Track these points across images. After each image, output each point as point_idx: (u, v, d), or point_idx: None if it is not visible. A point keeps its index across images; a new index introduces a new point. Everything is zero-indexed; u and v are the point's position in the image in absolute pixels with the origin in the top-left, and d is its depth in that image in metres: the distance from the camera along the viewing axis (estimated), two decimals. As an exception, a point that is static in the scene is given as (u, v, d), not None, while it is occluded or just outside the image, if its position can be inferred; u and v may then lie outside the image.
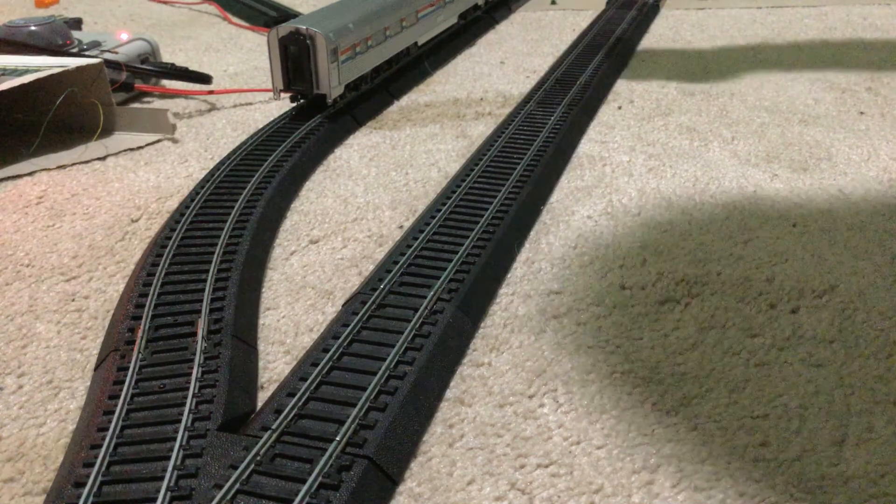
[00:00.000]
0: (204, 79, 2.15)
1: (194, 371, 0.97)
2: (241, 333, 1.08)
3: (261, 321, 1.16)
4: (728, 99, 1.99)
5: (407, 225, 1.40)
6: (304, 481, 0.81)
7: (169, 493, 0.80)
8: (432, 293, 1.12)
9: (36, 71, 1.78)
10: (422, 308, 1.09)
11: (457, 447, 0.91)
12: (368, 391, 0.93)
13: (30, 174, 1.66)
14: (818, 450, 0.88)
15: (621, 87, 2.12)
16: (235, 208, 1.40)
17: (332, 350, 1.00)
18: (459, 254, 1.22)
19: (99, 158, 1.73)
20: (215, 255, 1.24)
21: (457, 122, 1.91)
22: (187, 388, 0.95)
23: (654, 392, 0.98)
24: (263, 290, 1.24)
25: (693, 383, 0.99)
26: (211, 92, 2.12)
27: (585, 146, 1.73)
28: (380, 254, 1.32)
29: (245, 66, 2.47)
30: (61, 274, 1.29)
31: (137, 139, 1.82)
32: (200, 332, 1.05)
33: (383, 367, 0.97)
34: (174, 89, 2.15)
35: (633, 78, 2.19)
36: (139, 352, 1.02)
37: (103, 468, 0.84)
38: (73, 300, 1.22)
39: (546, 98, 1.93)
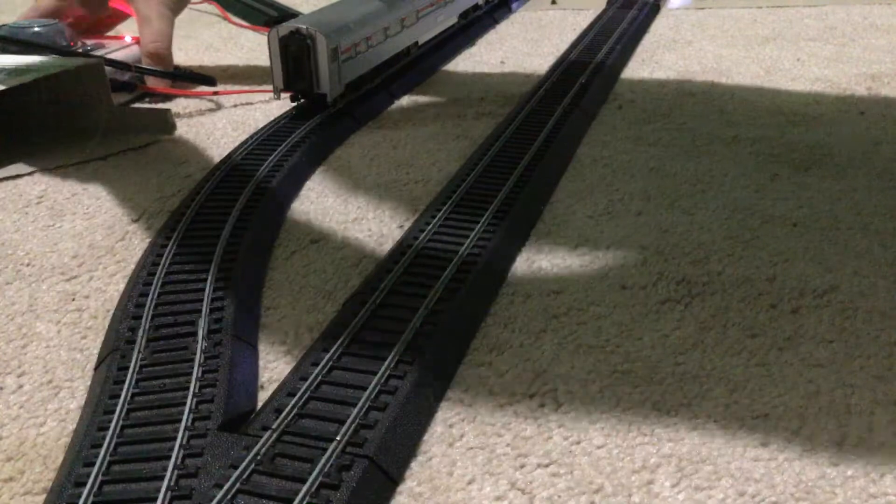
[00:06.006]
0: (208, 81, 2.14)
1: (194, 371, 0.97)
2: (241, 333, 1.08)
3: (261, 321, 1.16)
4: (728, 99, 1.99)
5: (408, 224, 1.40)
6: (304, 481, 0.81)
7: (169, 493, 0.80)
8: (433, 293, 1.12)
9: (36, 71, 1.78)
10: (422, 307, 1.09)
11: (457, 447, 0.91)
12: (368, 391, 0.93)
13: (30, 174, 1.66)
14: (818, 450, 0.88)
15: (621, 86, 2.12)
16: (236, 208, 1.40)
17: (333, 350, 1.00)
18: (460, 253, 1.22)
19: (99, 158, 1.73)
20: (215, 255, 1.24)
21: (457, 122, 1.91)
22: (187, 388, 0.95)
23: (654, 392, 0.98)
24: (264, 289, 1.24)
25: (693, 383, 0.99)
26: (216, 93, 2.12)
27: (586, 146, 1.73)
28: (380, 253, 1.32)
29: (245, 65, 2.48)
30: (61, 273, 1.29)
31: (137, 139, 1.82)
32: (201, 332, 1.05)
33: (383, 367, 0.97)
34: (176, 90, 2.15)
35: (633, 77, 2.20)
36: (139, 351, 1.02)
37: (103, 467, 0.84)
38: (74, 300, 1.22)
39: (547, 98, 1.94)
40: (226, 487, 0.80)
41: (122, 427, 0.90)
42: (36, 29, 2.07)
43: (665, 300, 1.16)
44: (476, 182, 1.48)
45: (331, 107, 1.86)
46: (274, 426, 0.88)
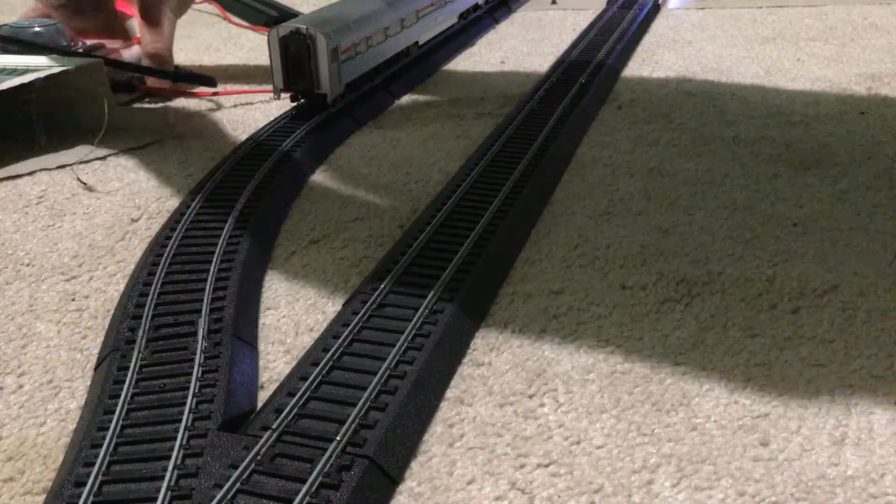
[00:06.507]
0: (208, 82, 2.14)
1: (194, 371, 0.97)
2: (241, 333, 1.08)
3: (261, 321, 1.16)
4: (728, 99, 1.99)
5: (407, 225, 1.40)
6: (304, 481, 0.81)
7: (169, 493, 0.80)
8: (433, 293, 1.12)
9: (36, 71, 1.78)
10: (422, 307, 1.09)
11: (457, 447, 0.91)
12: (369, 391, 0.93)
13: (30, 174, 1.66)
14: (818, 450, 0.88)
15: (621, 86, 2.12)
16: (236, 208, 1.40)
17: (333, 349, 1.00)
18: (460, 253, 1.22)
19: (99, 158, 1.73)
20: (215, 255, 1.24)
21: (457, 122, 1.91)
22: (187, 388, 0.95)
23: (654, 392, 0.98)
24: (264, 289, 1.24)
25: (693, 383, 0.99)
26: (216, 93, 2.12)
27: (586, 146, 1.73)
28: (380, 253, 1.32)
29: (245, 65, 2.48)
30: (61, 273, 1.29)
31: (137, 139, 1.82)
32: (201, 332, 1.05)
33: (383, 367, 0.97)
34: (177, 90, 2.15)
35: (632, 77, 2.20)
36: (139, 351, 1.02)
37: (103, 467, 0.84)
38: (74, 300, 1.22)
39: (547, 97, 1.94)
40: (226, 487, 0.80)
41: (122, 427, 0.90)
42: (36, 29, 2.07)
43: (665, 300, 1.16)
44: (476, 182, 1.48)
45: (331, 107, 1.86)
46: (274, 426, 0.88)
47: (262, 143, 1.71)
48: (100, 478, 0.83)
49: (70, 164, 1.69)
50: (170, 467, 0.83)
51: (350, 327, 1.05)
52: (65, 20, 2.09)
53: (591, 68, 2.15)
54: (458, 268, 1.19)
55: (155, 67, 2.12)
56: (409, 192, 1.55)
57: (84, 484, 0.82)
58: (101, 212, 1.50)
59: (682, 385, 0.99)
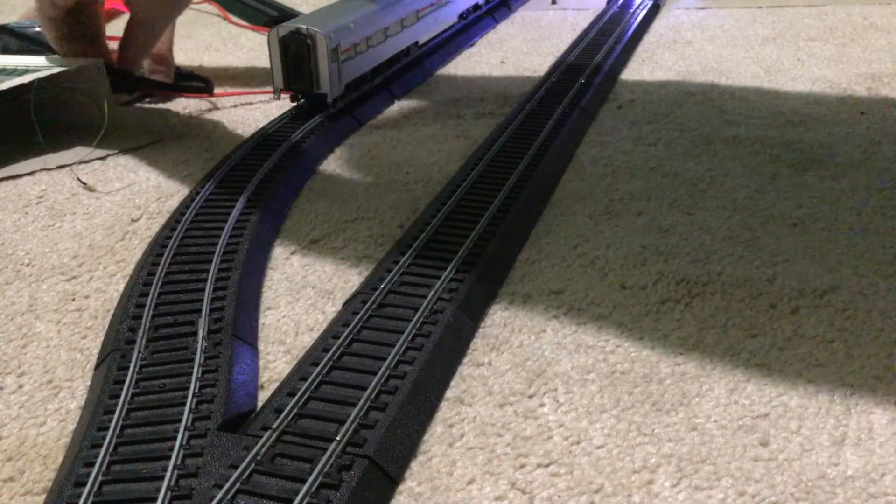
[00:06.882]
0: (206, 88, 2.12)
1: (194, 371, 0.97)
2: (241, 333, 1.08)
3: (261, 321, 1.16)
4: (728, 99, 1.99)
5: (407, 225, 1.40)
6: (304, 481, 0.81)
7: (169, 493, 0.80)
8: (433, 293, 1.12)
9: (35, 70, 1.78)
10: (422, 308, 1.09)
11: (457, 447, 0.91)
12: (369, 391, 0.93)
13: (30, 174, 1.66)
14: (818, 450, 0.88)
15: (621, 86, 2.12)
16: (236, 208, 1.40)
17: (333, 349, 1.00)
18: (460, 253, 1.22)
19: (99, 158, 1.73)
20: (215, 255, 1.24)
21: (457, 122, 1.91)
22: (187, 388, 0.95)
23: (654, 392, 0.98)
24: (264, 289, 1.24)
25: (693, 383, 0.99)
26: (212, 94, 2.12)
27: (586, 146, 1.73)
28: (380, 253, 1.32)
29: (245, 66, 2.48)
30: (61, 273, 1.29)
31: (137, 139, 1.82)
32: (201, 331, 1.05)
33: (383, 367, 0.97)
34: (177, 92, 2.15)
35: (633, 79, 2.20)
36: (139, 351, 1.02)
37: (103, 467, 0.84)
38: (74, 300, 1.22)
39: (547, 98, 1.94)
40: (226, 487, 0.80)
41: (122, 427, 0.90)
42: (37, 29, 2.07)
43: (665, 300, 1.16)
44: (476, 182, 1.48)
45: (331, 107, 1.86)
46: (274, 426, 0.88)
47: (261, 143, 1.71)
48: (100, 478, 0.83)
49: (70, 164, 1.69)
50: (170, 467, 0.83)
51: (350, 327, 1.05)
52: (51, 36, 1.90)
53: (591, 68, 2.15)
54: (457, 268, 1.19)
55: (155, 69, 2.11)
56: (409, 192, 1.55)
57: (84, 484, 0.82)
58: (101, 212, 1.50)
59: (682, 385, 0.99)
